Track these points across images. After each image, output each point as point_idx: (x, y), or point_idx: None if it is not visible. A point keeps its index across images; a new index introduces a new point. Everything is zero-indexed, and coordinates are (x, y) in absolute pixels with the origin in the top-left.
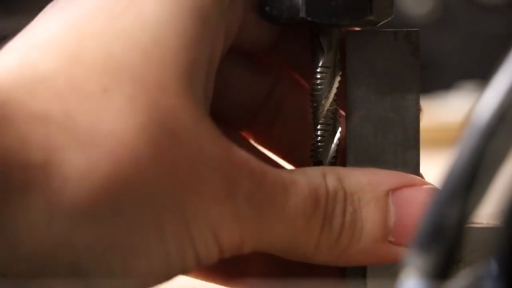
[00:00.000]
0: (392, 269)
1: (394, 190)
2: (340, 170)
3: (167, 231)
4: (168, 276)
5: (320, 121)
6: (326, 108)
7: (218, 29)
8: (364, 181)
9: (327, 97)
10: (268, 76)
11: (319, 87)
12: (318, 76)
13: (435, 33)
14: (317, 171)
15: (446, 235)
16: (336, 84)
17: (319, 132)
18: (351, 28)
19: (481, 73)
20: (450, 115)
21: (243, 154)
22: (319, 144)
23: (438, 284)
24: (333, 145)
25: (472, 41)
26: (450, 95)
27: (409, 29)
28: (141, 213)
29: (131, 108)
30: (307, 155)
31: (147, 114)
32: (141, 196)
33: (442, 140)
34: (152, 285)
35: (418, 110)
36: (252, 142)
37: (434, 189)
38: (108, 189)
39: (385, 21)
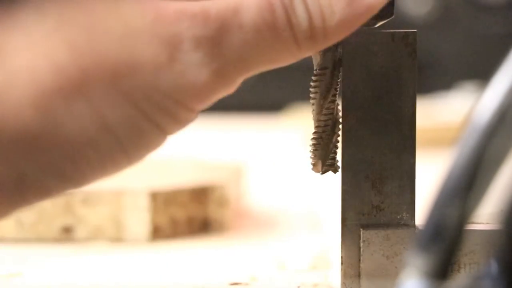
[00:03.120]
0: (386, 270)
1: None
2: None
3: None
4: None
5: (320, 121)
6: (325, 108)
7: None
8: None
9: (326, 97)
10: None
11: (318, 87)
12: (318, 76)
13: (435, 33)
14: None
15: (446, 235)
16: (335, 85)
17: (319, 132)
18: None
19: (481, 73)
20: (450, 115)
21: (175, 5)
22: (319, 144)
23: (438, 284)
24: (333, 145)
25: (472, 41)
26: (450, 95)
27: (407, 31)
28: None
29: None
30: None
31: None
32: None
33: (442, 140)
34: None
35: (414, 112)
36: None
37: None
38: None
39: (386, 21)
